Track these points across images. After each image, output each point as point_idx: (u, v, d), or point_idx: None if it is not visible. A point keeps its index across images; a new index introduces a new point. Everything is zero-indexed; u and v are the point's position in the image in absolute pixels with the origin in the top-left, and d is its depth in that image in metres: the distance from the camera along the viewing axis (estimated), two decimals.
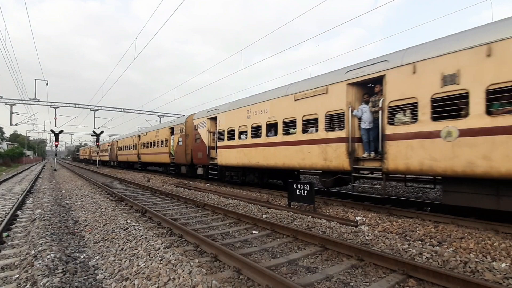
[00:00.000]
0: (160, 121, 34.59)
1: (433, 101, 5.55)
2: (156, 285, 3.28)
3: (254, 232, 5.67)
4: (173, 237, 5.29)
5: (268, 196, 9.37)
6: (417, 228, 5.30)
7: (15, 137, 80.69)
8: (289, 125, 9.12)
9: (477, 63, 5.01)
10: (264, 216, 6.87)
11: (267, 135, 9.93)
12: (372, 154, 6.87)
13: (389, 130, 6.25)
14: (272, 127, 9.85)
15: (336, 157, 7.46)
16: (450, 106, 5.32)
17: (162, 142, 19.18)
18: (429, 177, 7.00)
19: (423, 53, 5.83)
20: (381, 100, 6.54)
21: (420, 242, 4.63)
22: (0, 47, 16.83)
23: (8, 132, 78.13)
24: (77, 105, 31.27)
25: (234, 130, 11.59)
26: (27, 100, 28.56)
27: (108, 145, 36.02)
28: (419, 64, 5.80)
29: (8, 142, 73.76)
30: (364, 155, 7.07)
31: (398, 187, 11.26)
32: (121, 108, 34.31)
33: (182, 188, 12.36)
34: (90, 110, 32.13)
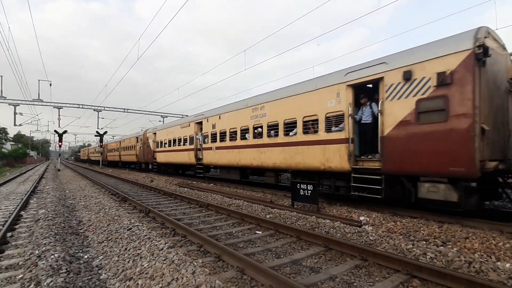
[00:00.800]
0: (163, 121, 34.76)
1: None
2: (160, 285, 3.29)
3: (257, 232, 5.67)
4: (176, 237, 5.30)
5: (272, 196, 9.37)
6: (421, 228, 5.27)
7: (19, 138, 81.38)
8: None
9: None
10: (267, 216, 6.87)
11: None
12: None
13: None
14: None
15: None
16: None
17: (133, 147, 27.35)
18: None
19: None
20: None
21: (424, 242, 4.60)
22: (4, 48, 16.94)
23: (12, 133, 78.87)
24: (80, 106, 31.44)
25: (162, 142, 19.94)
26: (31, 101, 28.77)
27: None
28: None
29: (12, 143, 74.39)
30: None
31: None
32: (124, 109, 34.45)
33: (186, 188, 12.40)
34: (94, 110, 32.30)
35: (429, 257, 4.01)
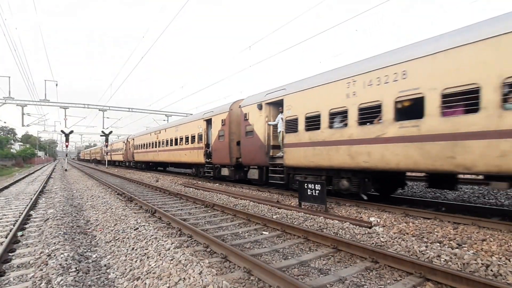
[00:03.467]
0: (167, 120, 34.88)
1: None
2: (167, 285, 3.27)
3: (264, 232, 5.60)
4: (182, 237, 5.27)
5: (278, 196, 9.30)
6: (435, 230, 5.12)
7: (26, 138, 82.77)
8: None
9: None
10: (274, 216, 6.79)
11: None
12: None
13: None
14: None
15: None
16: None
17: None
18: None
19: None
20: None
21: (439, 244, 4.47)
22: (12, 50, 17.20)
23: (20, 133, 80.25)
24: (86, 106, 31.79)
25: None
26: (38, 101, 29.20)
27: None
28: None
29: (20, 143, 75.69)
30: None
31: (415, 187, 10.99)
32: (129, 108, 34.73)
33: (191, 188, 12.40)
34: (99, 110, 32.63)
35: (443, 259, 3.88)
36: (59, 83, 28.07)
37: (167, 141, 20.30)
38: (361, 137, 6.86)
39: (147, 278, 3.51)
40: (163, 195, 10.99)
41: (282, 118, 9.60)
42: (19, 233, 5.71)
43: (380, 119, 6.48)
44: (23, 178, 20.57)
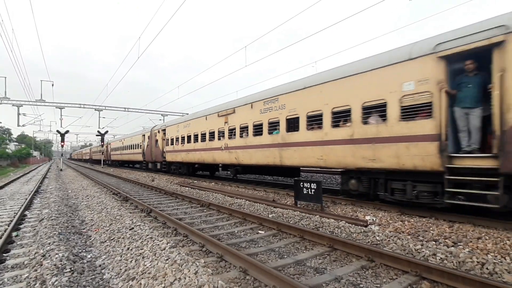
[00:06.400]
0: (163, 120, 34.79)
1: None
2: (162, 285, 3.24)
3: (260, 231, 5.59)
4: (178, 236, 5.24)
5: (274, 195, 9.28)
6: (431, 228, 5.13)
7: (22, 138, 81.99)
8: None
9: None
10: (270, 215, 6.78)
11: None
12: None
13: None
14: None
15: None
16: None
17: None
18: None
19: None
20: None
21: (434, 243, 4.48)
22: (8, 49, 17.04)
23: (15, 133, 79.47)
24: (82, 105, 31.52)
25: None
26: (34, 101, 28.89)
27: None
28: None
29: (15, 143, 74.94)
30: None
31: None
32: (125, 108, 34.49)
33: (187, 188, 12.35)
34: (95, 110, 32.37)
35: (439, 258, 3.89)
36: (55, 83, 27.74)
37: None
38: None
39: (142, 278, 3.49)
40: (159, 194, 10.93)
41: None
42: (14, 234, 5.65)
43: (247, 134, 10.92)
44: (18, 178, 20.35)
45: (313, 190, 7.05)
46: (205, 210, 7.71)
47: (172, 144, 18.38)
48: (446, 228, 5.07)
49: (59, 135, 28.80)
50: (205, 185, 12.78)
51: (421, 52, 5.82)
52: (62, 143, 29.46)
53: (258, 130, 10.46)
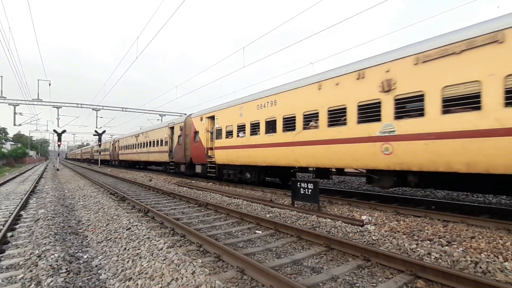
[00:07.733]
0: (161, 120, 34.66)
1: None
2: (160, 285, 3.24)
3: (257, 231, 5.61)
4: (175, 236, 5.24)
5: (271, 195, 9.31)
6: (425, 228, 5.19)
7: (18, 138, 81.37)
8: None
9: None
10: (267, 215, 6.81)
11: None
12: None
13: None
14: None
15: None
16: None
17: None
18: None
19: None
20: None
21: (429, 242, 4.53)
22: (4, 48, 16.88)
23: (11, 133, 78.84)
24: (79, 105, 31.31)
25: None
26: (30, 101, 28.68)
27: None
28: None
29: (11, 143, 74.33)
30: None
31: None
32: (123, 108, 34.33)
33: (184, 188, 12.33)
34: (92, 109, 32.17)
35: (434, 257, 3.94)
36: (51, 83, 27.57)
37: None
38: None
39: (139, 278, 3.48)
40: (156, 194, 10.91)
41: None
42: (9, 234, 5.61)
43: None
44: (14, 178, 20.19)
45: (310, 190, 7.08)
46: (202, 210, 7.72)
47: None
48: (440, 228, 5.13)
49: (55, 134, 28.60)
50: (202, 185, 12.77)
51: None
52: (59, 143, 29.26)
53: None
